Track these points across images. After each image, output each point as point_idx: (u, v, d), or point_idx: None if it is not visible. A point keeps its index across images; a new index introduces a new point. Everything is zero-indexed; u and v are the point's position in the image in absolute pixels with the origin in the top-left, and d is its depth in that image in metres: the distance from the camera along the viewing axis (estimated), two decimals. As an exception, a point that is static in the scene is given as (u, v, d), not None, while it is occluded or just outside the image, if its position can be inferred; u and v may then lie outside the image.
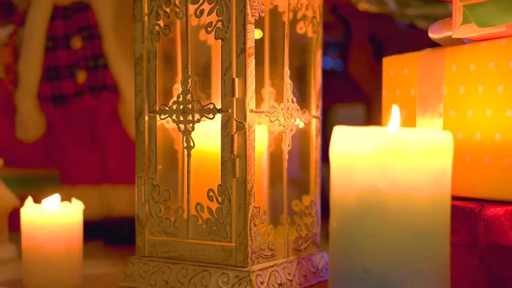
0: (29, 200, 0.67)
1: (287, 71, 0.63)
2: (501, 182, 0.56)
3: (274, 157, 0.68)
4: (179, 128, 0.61)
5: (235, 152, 0.58)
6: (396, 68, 0.66)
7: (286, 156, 0.63)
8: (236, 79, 0.58)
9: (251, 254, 0.58)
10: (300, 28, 0.68)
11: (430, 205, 0.47)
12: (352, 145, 0.48)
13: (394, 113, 0.52)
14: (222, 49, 0.59)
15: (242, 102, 0.58)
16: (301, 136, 0.68)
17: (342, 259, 0.48)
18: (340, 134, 0.49)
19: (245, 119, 0.58)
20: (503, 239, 0.54)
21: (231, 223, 0.59)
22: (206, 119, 0.60)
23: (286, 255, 0.63)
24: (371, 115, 0.99)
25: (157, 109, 0.63)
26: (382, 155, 0.46)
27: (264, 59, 0.70)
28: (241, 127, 0.58)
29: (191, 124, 0.61)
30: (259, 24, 0.62)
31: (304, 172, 0.69)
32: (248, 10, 0.58)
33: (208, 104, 0.60)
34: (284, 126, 0.63)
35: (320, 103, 0.69)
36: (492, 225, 0.54)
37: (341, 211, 0.49)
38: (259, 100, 0.63)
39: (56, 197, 0.68)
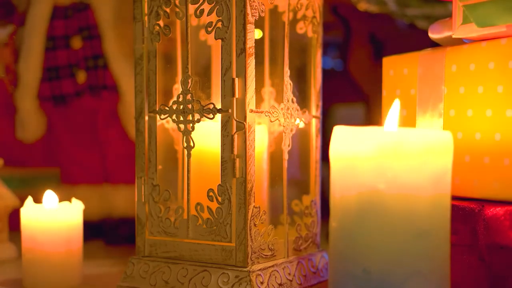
0: (29, 200, 0.67)
1: (287, 71, 0.63)
2: (501, 182, 0.56)
3: (274, 157, 0.68)
4: (179, 128, 0.61)
5: (235, 152, 0.58)
6: (396, 68, 0.66)
7: (286, 156, 0.63)
8: (236, 79, 0.58)
9: (251, 254, 0.58)
10: (300, 28, 0.68)
11: (430, 205, 0.47)
12: (352, 145, 0.48)
13: (394, 108, 0.51)
14: (222, 49, 0.59)
15: (242, 102, 0.58)
16: (301, 136, 0.68)
17: (342, 259, 0.48)
18: (340, 134, 0.49)
19: (245, 119, 0.58)
20: (503, 239, 0.54)
21: (231, 223, 0.59)
22: (206, 119, 0.60)
23: (286, 255, 0.63)
24: (371, 115, 0.99)
25: (157, 109, 0.63)
26: (382, 155, 0.46)
27: (264, 59, 0.70)
28: (241, 127, 0.58)
29: (191, 124, 0.61)
30: (259, 24, 0.62)
31: (304, 172, 0.69)
32: (248, 10, 0.58)
33: (208, 104, 0.60)
34: (284, 126, 0.63)
35: (320, 103, 0.69)
36: (492, 225, 0.54)
37: (341, 212, 0.49)
38: (259, 100, 0.63)
39: (49, 194, 0.68)
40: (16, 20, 0.94)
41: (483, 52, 0.58)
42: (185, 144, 0.61)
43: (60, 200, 0.68)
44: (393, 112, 0.51)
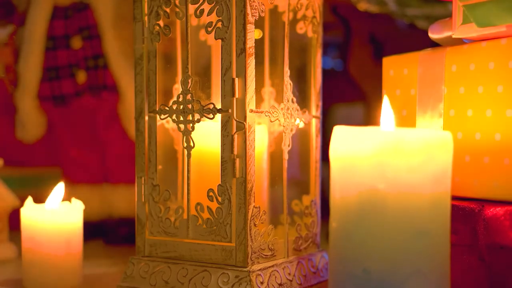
0: (29, 200, 0.67)
1: (287, 71, 0.63)
2: (501, 182, 0.56)
3: (274, 157, 0.68)
4: (179, 128, 0.61)
5: (235, 152, 0.58)
6: (396, 68, 0.66)
7: (286, 156, 0.63)
8: (236, 79, 0.58)
9: (251, 254, 0.58)
10: (300, 28, 0.68)
11: (430, 205, 0.47)
12: (352, 145, 0.48)
13: (385, 106, 0.51)
14: (222, 49, 0.59)
15: (242, 102, 0.58)
16: (301, 136, 0.68)
17: (342, 259, 0.48)
18: (340, 134, 0.49)
19: (245, 119, 0.58)
20: (503, 239, 0.54)
21: (231, 223, 0.59)
22: (206, 119, 0.60)
23: (286, 255, 0.63)
24: (371, 115, 0.99)
25: (157, 109, 0.63)
26: (382, 155, 0.46)
27: (264, 59, 0.70)
28: (241, 127, 0.58)
29: (191, 124, 0.61)
30: (259, 24, 0.62)
31: (304, 172, 0.69)
32: (248, 10, 0.58)
33: (208, 104, 0.60)
34: (284, 126, 0.63)
35: (320, 103, 0.69)
36: (492, 225, 0.54)
37: (341, 212, 0.49)
38: (259, 100, 0.63)
39: (60, 186, 0.68)
40: (16, 20, 0.94)
41: (483, 52, 0.58)
42: (185, 144, 0.61)
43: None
44: (385, 110, 0.51)
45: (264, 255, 0.60)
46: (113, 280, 0.68)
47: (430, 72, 0.62)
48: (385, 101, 0.52)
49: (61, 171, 0.97)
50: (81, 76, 0.89)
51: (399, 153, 0.46)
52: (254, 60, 0.58)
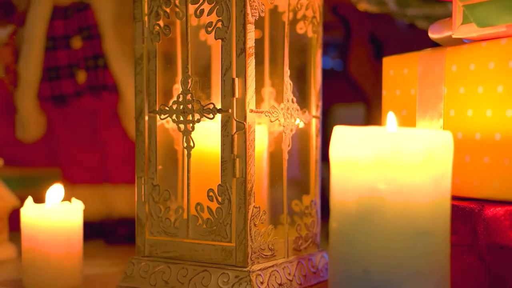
0: (29, 200, 0.67)
1: (287, 71, 0.63)
2: (501, 182, 0.56)
3: (274, 157, 0.68)
4: (179, 128, 0.61)
5: (235, 152, 0.58)
6: (396, 68, 0.66)
7: (286, 156, 0.63)
8: (236, 79, 0.58)
9: (251, 254, 0.58)
10: (300, 28, 0.68)
11: (430, 205, 0.47)
12: (352, 145, 0.48)
13: (390, 120, 0.52)
14: (222, 49, 0.59)
15: (242, 102, 0.58)
16: (301, 136, 0.68)
17: (342, 260, 0.48)
18: (340, 134, 0.49)
19: (245, 119, 0.58)
20: (503, 239, 0.54)
21: (231, 223, 0.59)
22: (206, 119, 0.60)
23: (286, 255, 0.63)
24: (371, 115, 0.99)
25: (157, 109, 0.63)
26: (382, 155, 0.46)
27: (264, 59, 0.70)
28: (241, 127, 0.58)
29: (191, 124, 0.61)
30: (259, 24, 0.62)
31: (304, 172, 0.69)
32: (248, 10, 0.58)
33: (208, 104, 0.60)
34: (284, 126, 0.63)
35: (320, 103, 0.69)
36: (492, 225, 0.54)
37: (341, 212, 0.49)
38: (259, 100, 0.63)
39: (58, 187, 0.68)
40: (16, 20, 0.94)
41: (483, 52, 0.58)
42: (185, 144, 0.61)
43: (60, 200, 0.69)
44: (390, 123, 0.51)
45: (264, 255, 0.60)
46: (113, 280, 0.68)
47: (430, 72, 0.62)
48: (391, 118, 0.52)
49: (61, 171, 0.97)
50: (81, 76, 0.89)
51: (399, 153, 0.46)
52: (254, 60, 0.58)
